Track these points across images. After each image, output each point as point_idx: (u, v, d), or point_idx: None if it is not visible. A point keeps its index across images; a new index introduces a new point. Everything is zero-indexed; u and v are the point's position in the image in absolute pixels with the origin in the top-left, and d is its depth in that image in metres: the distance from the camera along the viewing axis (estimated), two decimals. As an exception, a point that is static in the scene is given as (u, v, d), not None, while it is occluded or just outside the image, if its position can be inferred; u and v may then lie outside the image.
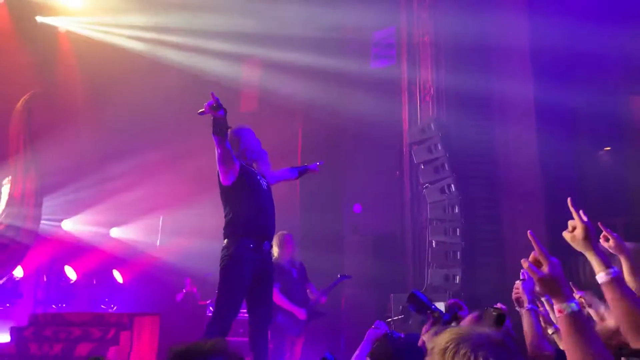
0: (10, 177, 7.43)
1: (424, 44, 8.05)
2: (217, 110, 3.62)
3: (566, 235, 1.97)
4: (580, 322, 1.61)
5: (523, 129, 6.98)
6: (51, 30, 9.48)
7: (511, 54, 7.30)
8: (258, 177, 4.21)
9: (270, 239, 4.20)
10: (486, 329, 1.49)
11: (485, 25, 7.43)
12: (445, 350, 1.43)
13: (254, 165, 4.29)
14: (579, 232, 1.92)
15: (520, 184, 7.06)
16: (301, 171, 4.81)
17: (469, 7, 7.37)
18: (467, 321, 2.62)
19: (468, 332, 1.47)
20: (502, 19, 7.32)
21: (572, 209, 1.95)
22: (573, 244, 1.97)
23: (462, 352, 1.40)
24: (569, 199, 1.98)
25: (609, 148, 7.16)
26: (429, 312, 2.63)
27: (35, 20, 9.25)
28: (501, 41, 7.37)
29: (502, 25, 7.34)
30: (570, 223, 1.96)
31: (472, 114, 7.28)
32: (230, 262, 3.92)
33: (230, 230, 4.04)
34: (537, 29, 6.93)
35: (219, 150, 3.87)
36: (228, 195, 4.11)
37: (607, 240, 2.49)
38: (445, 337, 1.47)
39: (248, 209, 4.04)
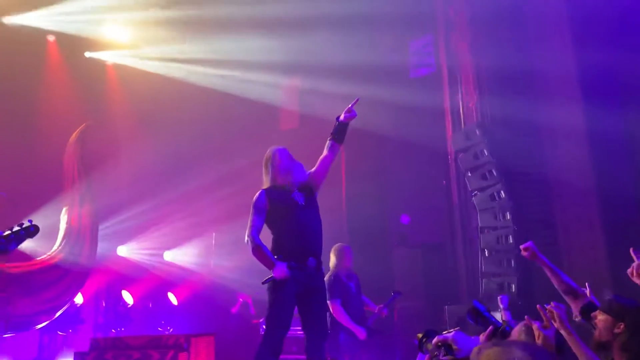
0: (67, 207, 7.69)
1: (463, 48, 7.93)
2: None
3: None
4: None
5: (573, 125, 6.72)
6: (99, 64, 9.92)
7: (552, 33, 7.08)
8: (292, 195, 4.12)
9: (316, 255, 4.10)
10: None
11: (523, 17, 7.27)
12: None
13: (289, 183, 4.16)
14: None
15: (572, 184, 6.79)
16: (341, 127, 4.23)
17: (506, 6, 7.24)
18: (515, 332, 2.52)
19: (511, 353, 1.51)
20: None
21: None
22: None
23: None
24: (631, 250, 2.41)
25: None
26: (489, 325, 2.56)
27: (84, 56, 9.72)
28: (542, 28, 7.18)
29: (541, 13, 7.16)
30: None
31: (517, 117, 7.08)
32: (274, 282, 3.94)
33: (272, 250, 4.07)
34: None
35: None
36: (266, 219, 4.16)
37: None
38: (489, 356, 1.54)
39: (285, 231, 4.07)
